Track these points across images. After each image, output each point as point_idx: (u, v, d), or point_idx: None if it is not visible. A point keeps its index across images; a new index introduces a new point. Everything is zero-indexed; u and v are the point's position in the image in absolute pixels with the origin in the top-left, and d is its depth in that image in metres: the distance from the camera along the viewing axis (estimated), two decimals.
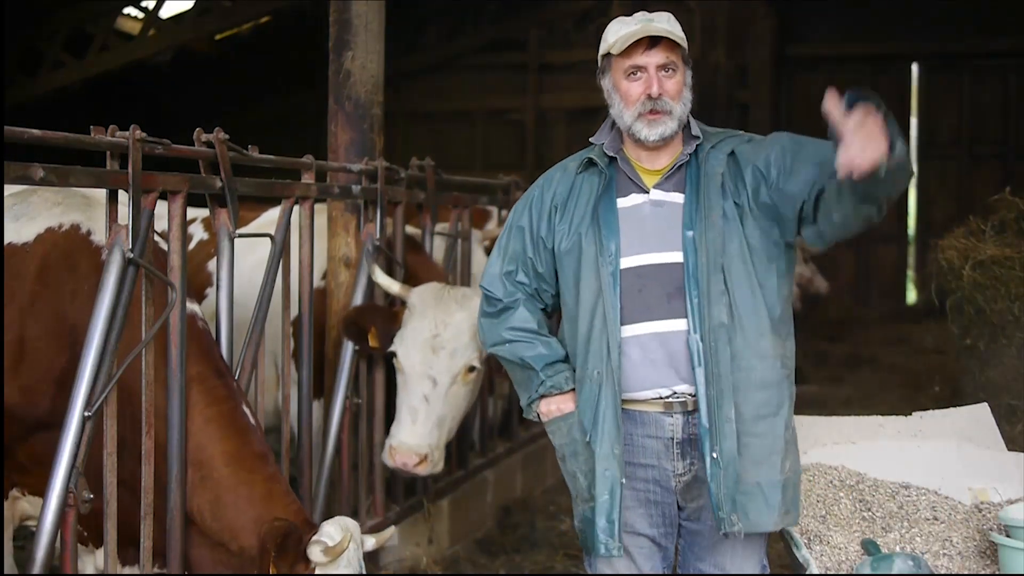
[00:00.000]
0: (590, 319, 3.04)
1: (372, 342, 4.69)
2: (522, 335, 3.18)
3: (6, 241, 3.51)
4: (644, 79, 3.02)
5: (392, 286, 4.74)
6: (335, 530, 3.15)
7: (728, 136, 3.14)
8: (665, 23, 3.01)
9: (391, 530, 3.48)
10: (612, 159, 3.12)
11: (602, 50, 3.08)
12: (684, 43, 3.03)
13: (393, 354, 4.64)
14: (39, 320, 3.38)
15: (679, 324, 3.01)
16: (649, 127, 3.02)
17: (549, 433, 3.20)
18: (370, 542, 3.35)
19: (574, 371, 3.13)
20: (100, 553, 3.43)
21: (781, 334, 3.05)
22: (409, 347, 4.59)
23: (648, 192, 3.08)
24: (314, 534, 3.15)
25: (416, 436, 4.49)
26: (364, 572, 3.24)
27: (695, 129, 3.12)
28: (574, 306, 3.10)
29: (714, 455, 2.97)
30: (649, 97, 3.00)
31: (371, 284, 4.80)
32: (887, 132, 2.66)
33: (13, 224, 3.54)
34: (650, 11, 3.09)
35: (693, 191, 3.05)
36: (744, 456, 2.97)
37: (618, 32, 3.03)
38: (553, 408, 3.14)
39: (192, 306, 3.54)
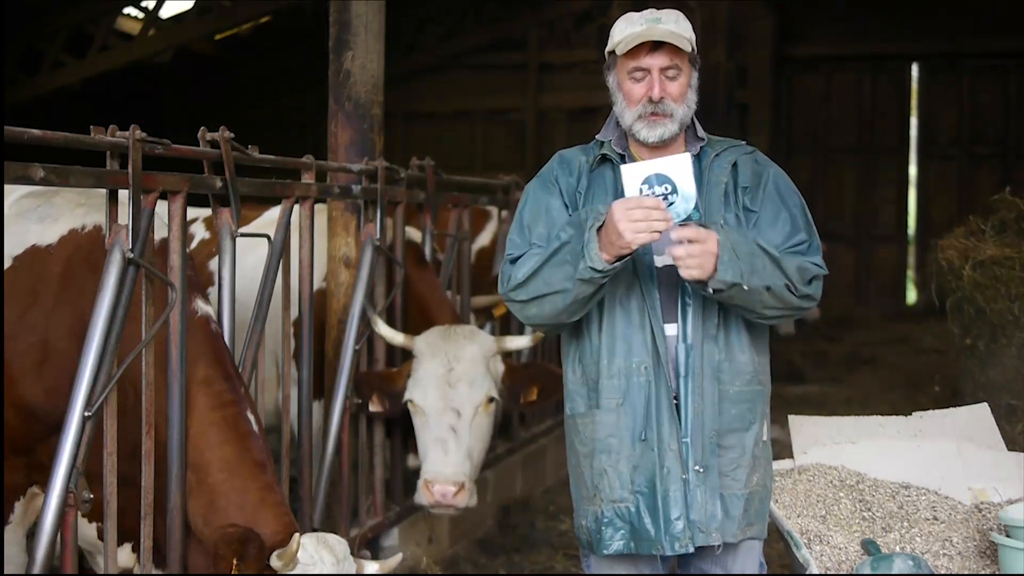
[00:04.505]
0: (626, 313, 2.99)
1: (375, 407, 4.76)
2: (547, 241, 2.99)
3: (31, 243, 3.52)
4: (647, 81, 3.00)
5: (395, 337, 4.77)
6: (309, 539, 3.13)
7: (731, 146, 3.12)
8: (672, 24, 2.99)
9: (397, 557, 3.43)
10: (622, 156, 3.11)
11: (608, 47, 3.07)
12: (690, 46, 3.01)
13: (409, 402, 4.67)
14: (62, 321, 3.39)
15: (672, 329, 3.00)
16: (648, 128, 3.01)
17: (576, 424, 3.09)
18: (372, 567, 3.29)
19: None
20: (119, 551, 3.43)
21: (757, 350, 3.07)
22: (426, 387, 4.62)
23: None
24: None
25: (450, 465, 4.50)
26: None
27: (700, 131, 3.11)
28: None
29: (697, 469, 2.97)
30: (650, 100, 2.99)
31: (371, 285, 4.80)
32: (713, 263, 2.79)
33: (37, 226, 3.55)
34: (657, 8, 3.07)
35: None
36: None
37: (624, 31, 3.00)
38: (637, 210, 2.75)
39: (206, 308, 3.54)
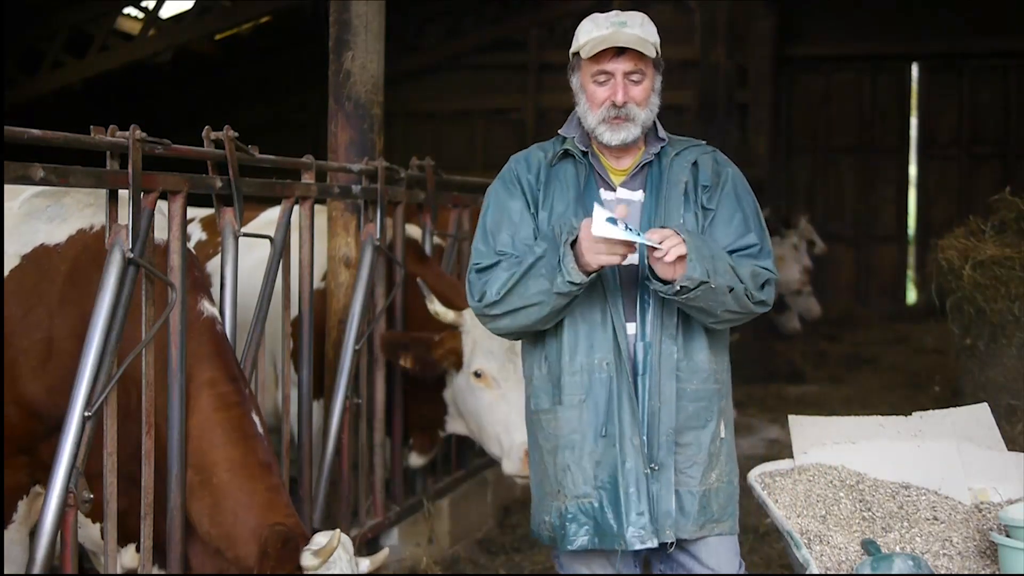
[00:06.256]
0: (588, 310, 3.02)
1: (406, 363, 4.82)
2: (517, 257, 3.02)
3: (39, 242, 3.53)
4: (611, 85, 3.03)
5: (448, 314, 4.83)
6: (324, 537, 3.17)
7: (692, 145, 3.17)
8: (638, 28, 3.00)
9: (384, 552, 3.48)
10: (584, 152, 3.14)
11: (572, 48, 3.09)
12: (654, 51, 3.03)
13: (475, 374, 4.77)
14: (67, 321, 3.39)
15: (632, 328, 3.04)
16: (611, 131, 3.04)
17: (539, 420, 3.11)
18: (364, 564, 3.33)
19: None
20: (124, 552, 3.45)
21: (716, 349, 3.10)
22: (499, 359, 4.72)
23: (615, 190, 3.11)
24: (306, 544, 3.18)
25: None
26: None
27: (661, 132, 3.15)
28: None
29: (653, 466, 3.00)
30: (614, 104, 3.02)
31: (371, 285, 4.80)
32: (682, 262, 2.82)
33: (47, 225, 3.56)
34: (640, 10, 3.10)
35: (653, 195, 3.08)
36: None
37: (589, 33, 3.02)
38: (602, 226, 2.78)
39: (212, 309, 3.55)
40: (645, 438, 3.00)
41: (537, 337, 3.13)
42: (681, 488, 3.04)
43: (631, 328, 3.03)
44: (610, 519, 3.01)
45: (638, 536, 2.99)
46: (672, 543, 3.04)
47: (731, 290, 2.91)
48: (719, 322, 3.01)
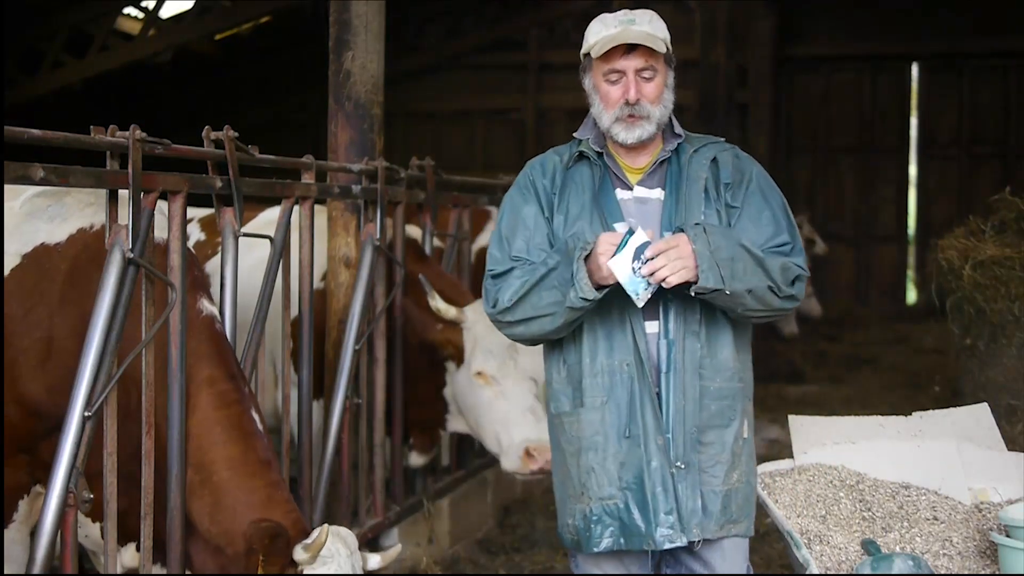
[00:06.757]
0: (607, 312, 3.01)
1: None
2: (532, 264, 3.03)
3: (40, 241, 3.54)
4: (623, 83, 3.02)
5: (449, 311, 4.88)
6: (319, 532, 3.17)
7: (710, 142, 3.16)
8: (646, 25, 3.00)
9: (397, 548, 3.48)
10: (599, 154, 3.13)
11: (583, 49, 3.09)
12: (664, 46, 3.03)
13: (478, 374, 4.84)
14: (67, 320, 3.40)
15: (654, 327, 3.03)
16: (627, 130, 3.04)
17: (561, 423, 3.10)
18: (374, 560, 3.33)
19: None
20: (124, 551, 3.45)
21: (739, 347, 3.09)
22: (498, 357, 4.77)
23: (632, 189, 3.11)
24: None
25: (546, 431, 4.60)
26: None
27: (677, 128, 3.14)
28: None
29: (679, 465, 2.99)
30: (627, 103, 3.01)
31: (371, 285, 4.80)
32: (691, 266, 2.85)
33: (48, 225, 3.56)
34: (642, 7, 3.09)
35: (673, 192, 3.07)
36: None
37: (599, 33, 3.03)
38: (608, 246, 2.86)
39: (211, 308, 3.55)
40: (670, 436, 2.98)
41: (555, 340, 3.11)
42: (704, 488, 3.02)
43: (653, 327, 3.02)
44: (637, 520, 3.00)
45: (667, 535, 2.98)
46: (699, 541, 3.02)
47: (750, 291, 2.91)
48: (743, 317, 3.01)
